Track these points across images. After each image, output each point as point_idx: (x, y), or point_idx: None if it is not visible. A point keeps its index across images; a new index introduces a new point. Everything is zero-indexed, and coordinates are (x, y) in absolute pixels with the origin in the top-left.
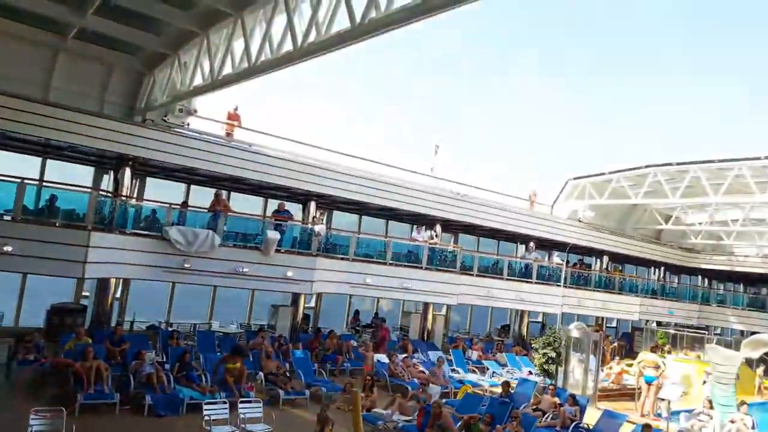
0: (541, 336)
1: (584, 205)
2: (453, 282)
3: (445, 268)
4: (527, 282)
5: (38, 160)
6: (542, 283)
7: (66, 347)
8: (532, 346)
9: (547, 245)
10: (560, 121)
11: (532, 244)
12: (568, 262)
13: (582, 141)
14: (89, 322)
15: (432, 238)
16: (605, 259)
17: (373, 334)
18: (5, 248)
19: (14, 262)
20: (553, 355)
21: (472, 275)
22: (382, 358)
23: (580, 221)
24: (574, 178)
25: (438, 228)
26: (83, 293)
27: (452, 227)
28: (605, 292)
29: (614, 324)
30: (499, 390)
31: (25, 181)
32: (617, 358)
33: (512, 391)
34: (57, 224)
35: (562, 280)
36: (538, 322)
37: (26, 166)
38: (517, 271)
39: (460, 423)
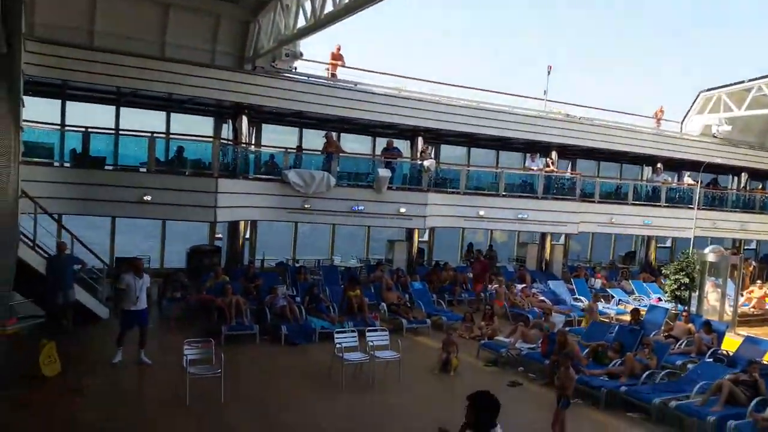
0: (672, 261)
1: (719, 119)
2: (572, 210)
3: (563, 196)
4: (655, 206)
5: (163, 114)
6: (672, 206)
7: (207, 285)
8: (662, 272)
9: (676, 165)
10: (684, 31)
11: (659, 165)
12: (700, 182)
13: (710, 51)
14: (224, 261)
15: (547, 165)
16: (744, 176)
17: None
18: (145, 198)
19: (154, 210)
20: (686, 280)
21: (593, 202)
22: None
23: (714, 137)
24: (707, 90)
25: (554, 155)
26: (216, 236)
27: (569, 153)
28: (744, 213)
29: (753, 246)
30: (626, 318)
31: (154, 134)
32: (759, 282)
33: (642, 318)
34: (186, 173)
35: (695, 202)
36: (667, 247)
37: (153, 120)
38: (643, 195)
39: (587, 350)
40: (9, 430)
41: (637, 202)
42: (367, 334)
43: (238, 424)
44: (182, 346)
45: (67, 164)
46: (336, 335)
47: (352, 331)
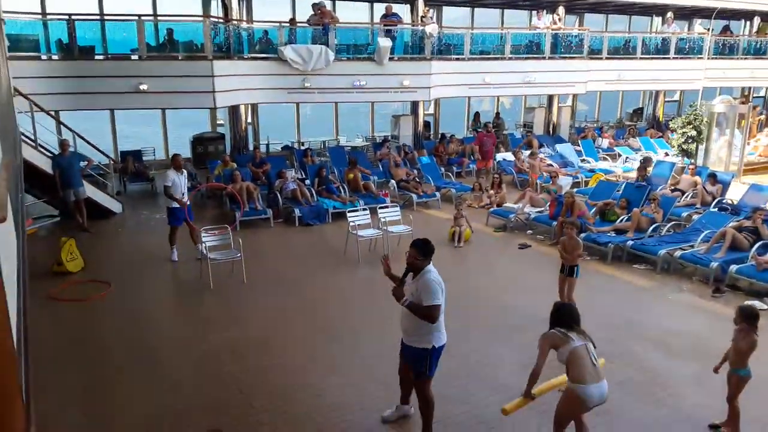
0: (679, 115)
1: None
2: (580, 69)
3: (571, 54)
4: (664, 58)
5: None
6: (681, 58)
7: (215, 173)
8: (669, 126)
9: (687, 13)
10: None
11: (670, 14)
12: (711, 30)
13: None
14: (229, 148)
15: (554, 22)
16: (756, 21)
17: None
18: (141, 87)
19: (151, 99)
20: (694, 133)
21: (601, 59)
22: (508, 156)
23: None
24: None
25: (561, 10)
26: (218, 122)
27: (577, 7)
28: (754, 59)
29: (762, 93)
30: (634, 175)
31: (142, 17)
32: (766, 129)
33: (648, 174)
34: (180, 57)
35: (705, 52)
36: (675, 101)
37: (139, 2)
38: (652, 48)
39: (594, 209)
40: (44, 323)
41: (645, 56)
42: (379, 210)
43: (265, 301)
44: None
45: (55, 57)
46: (348, 214)
47: (364, 209)
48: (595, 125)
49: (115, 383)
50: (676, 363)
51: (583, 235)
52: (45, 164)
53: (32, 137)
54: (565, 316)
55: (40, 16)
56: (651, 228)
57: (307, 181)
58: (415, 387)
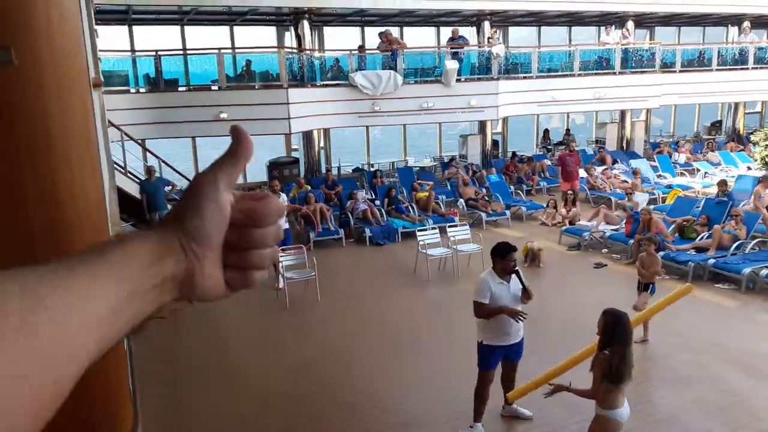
0: (762, 127)
1: None
2: (652, 83)
3: (642, 69)
4: (742, 69)
5: (226, 29)
6: (761, 68)
7: (290, 195)
8: (751, 139)
9: (765, 22)
10: None
11: (746, 23)
12: None
13: None
14: (303, 171)
15: (624, 37)
16: None
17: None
18: (221, 115)
19: (230, 126)
20: None
21: (674, 72)
22: (580, 172)
23: None
24: None
25: (630, 25)
26: (293, 147)
27: (647, 21)
28: None
29: None
30: (713, 190)
31: (221, 50)
32: None
33: (729, 190)
34: (256, 87)
35: None
36: (756, 112)
37: (218, 36)
38: (729, 59)
39: (672, 226)
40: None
41: (722, 68)
42: (448, 229)
43: (336, 318)
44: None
45: (142, 89)
46: (418, 233)
47: (433, 228)
48: (671, 140)
49: (193, 394)
50: (764, 386)
51: (661, 253)
52: (133, 189)
53: (122, 164)
54: (622, 330)
55: (129, 53)
56: (734, 246)
57: (377, 202)
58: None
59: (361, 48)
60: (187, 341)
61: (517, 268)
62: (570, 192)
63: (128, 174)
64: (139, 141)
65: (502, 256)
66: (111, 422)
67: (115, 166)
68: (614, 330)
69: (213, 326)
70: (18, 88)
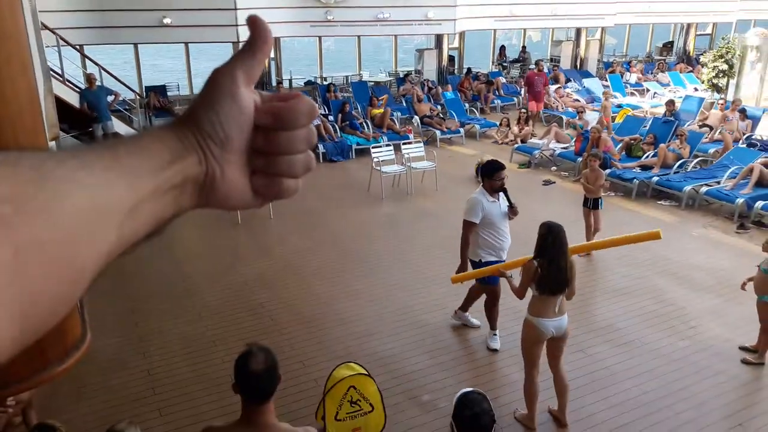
0: (711, 49)
1: None
2: (608, 1)
3: None
4: None
5: None
6: None
7: None
8: (700, 61)
9: None
10: None
11: None
12: None
13: None
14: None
15: None
16: None
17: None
18: (165, 20)
19: (174, 33)
20: (725, 67)
21: None
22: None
23: None
24: None
25: None
26: None
27: None
28: None
29: None
30: (662, 110)
31: None
32: None
33: (676, 110)
34: None
35: None
36: (707, 34)
37: None
38: None
39: (620, 145)
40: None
41: None
42: (403, 147)
43: (290, 235)
44: None
45: None
46: (372, 150)
47: (387, 145)
48: (623, 60)
49: (150, 310)
50: (699, 296)
51: (608, 170)
52: (72, 99)
53: (59, 71)
54: (552, 245)
55: None
56: (677, 164)
57: (331, 117)
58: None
59: None
60: (138, 258)
61: (504, 187)
62: (523, 110)
63: (66, 82)
64: (77, 46)
65: (489, 176)
66: (57, 332)
67: (52, 72)
68: (544, 241)
69: (163, 241)
70: None
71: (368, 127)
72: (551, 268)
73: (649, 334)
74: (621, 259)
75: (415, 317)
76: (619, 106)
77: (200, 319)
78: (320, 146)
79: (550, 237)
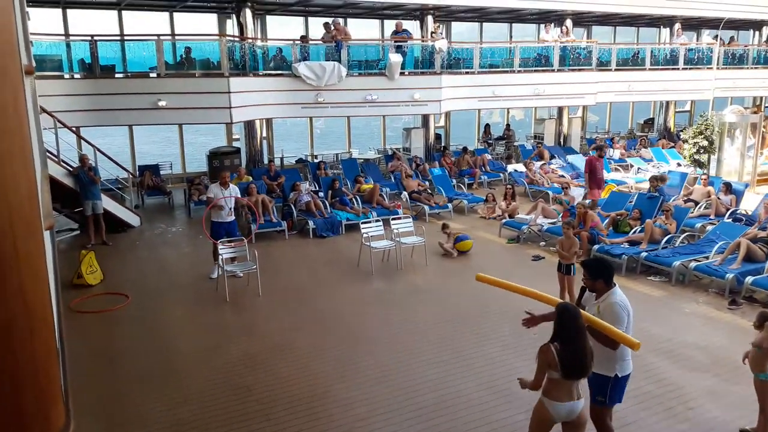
0: (690, 125)
1: None
2: (589, 81)
3: (580, 66)
4: (673, 69)
5: (166, 14)
6: (691, 68)
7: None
8: (681, 137)
9: (695, 24)
10: None
11: (677, 25)
12: (720, 40)
13: None
14: (245, 162)
15: (566, 34)
16: (765, 30)
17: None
18: (160, 103)
19: (169, 115)
20: (705, 143)
21: (610, 70)
22: (519, 167)
23: None
24: None
25: (568, 23)
26: (234, 137)
27: (584, 20)
28: (764, 68)
29: None
30: (646, 186)
31: (161, 36)
32: None
33: (662, 185)
34: (197, 75)
35: (714, 62)
36: (686, 111)
37: (157, 22)
38: (661, 60)
39: (607, 220)
40: (72, 333)
41: (655, 67)
42: (392, 222)
43: (279, 312)
44: (218, 246)
45: (77, 75)
46: (362, 225)
47: (377, 221)
48: (606, 136)
49: (134, 393)
50: (694, 376)
51: (596, 246)
52: (66, 178)
53: (55, 152)
54: (570, 323)
55: (63, 37)
56: (665, 239)
57: (321, 194)
58: (591, 415)
59: (305, 38)
60: (124, 339)
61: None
62: (509, 186)
63: (61, 163)
64: (74, 129)
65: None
66: (42, 421)
67: (48, 154)
68: (561, 323)
69: (151, 321)
70: None
71: (358, 203)
72: (570, 350)
73: (647, 416)
74: None
75: (412, 399)
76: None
77: (185, 402)
78: (310, 222)
79: (567, 320)
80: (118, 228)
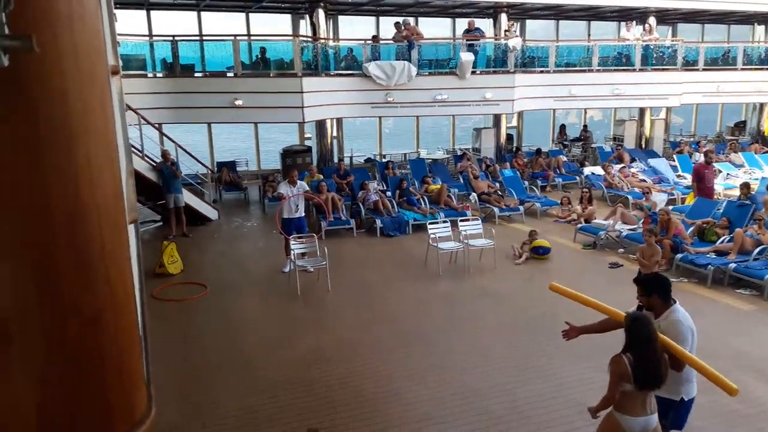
0: None
1: None
2: (673, 81)
3: (663, 66)
4: None
5: (242, 15)
6: None
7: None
8: None
9: None
10: None
11: None
12: None
13: None
14: (315, 161)
15: (648, 32)
16: None
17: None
18: (236, 102)
19: (244, 113)
20: None
21: (697, 70)
22: (596, 170)
23: None
24: None
25: (651, 21)
26: (306, 136)
27: (669, 18)
28: None
29: None
30: (735, 192)
31: (237, 37)
32: None
33: (753, 192)
34: (271, 74)
35: None
36: None
37: (234, 24)
38: (755, 58)
39: (692, 228)
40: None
41: (747, 67)
42: (460, 223)
43: (347, 309)
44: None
45: (159, 74)
46: (429, 226)
47: (444, 222)
48: (692, 139)
49: (208, 379)
50: None
51: (679, 255)
52: (149, 173)
53: (139, 148)
54: (641, 332)
55: (147, 38)
56: (756, 250)
57: (389, 193)
58: None
59: (375, 38)
60: (201, 327)
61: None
62: (585, 190)
63: (145, 158)
64: (156, 125)
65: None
66: (125, 407)
67: (133, 149)
68: (632, 333)
69: (226, 311)
70: (40, 81)
71: (425, 203)
72: (643, 359)
73: None
74: (699, 352)
75: (476, 403)
76: (689, 187)
77: (256, 392)
78: (378, 221)
79: (638, 328)
80: (198, 221)
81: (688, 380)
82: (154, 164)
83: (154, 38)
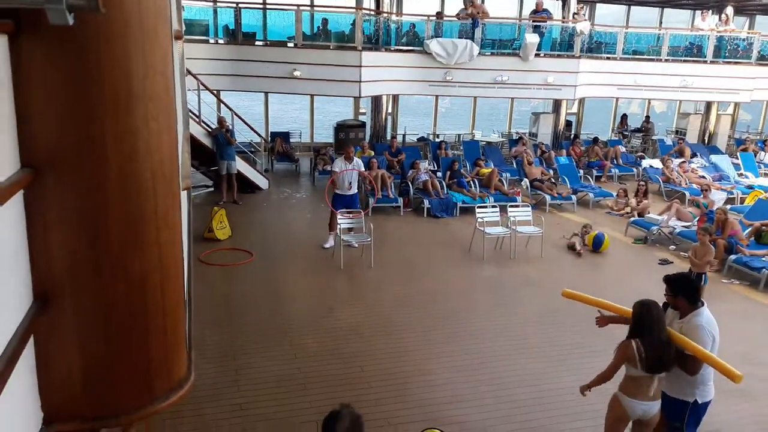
0: None
1: None
2: (745, 76)
3: (736, 59)
4: None
5: None
6: None
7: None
8: None
9: None
10: None
11: None
12: None
13: None
14: (368, 136)
15: (725, 23)
16: None
17: None
18: (295, 73)
19: (303, 85)
20: None
21: None
22: (655, 163)
23: None
24: None
25: (729, 10)
26: (360, 111)
27: (748, 8)
28: None
29: None
30: None
31: (300, 7)
32: None
33: None
34: (331, 47)
35: None
36: None
37: None
38: None
39: (749, 230)
40: (198, 283)
41: None
42: (509, 209)
43: (388, 286)
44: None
45: (221, 41)
46: (477, 209)
47: (493, 206)
48: (758, 138)
49: (247, 345)
50: None
51: (733, 257)
52: (205, 138)
53: (196, 113)
54: (649, 314)
55: (211, 4)
56: None
57: (439, 174)
58: None
59: (440, 14)
60: (245, 293)
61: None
62: (642, 183)
63: (202, 123)
64: (214, 92)
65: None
66: (166, 369)
67: (190, 114)
68: (640, 318)
69: (270, 279)
70: (104, 43)
71: (475, 186)
72: (650, 342)
73: None
74: (744, 356)
75: (507, 390)
76: (750, 187)
77: (294, 360)
78: (426, 201)
79: (646, 312)
80: (248, 189)
81: (702, 383)
82: (210, 130)
83: (218, 4)
